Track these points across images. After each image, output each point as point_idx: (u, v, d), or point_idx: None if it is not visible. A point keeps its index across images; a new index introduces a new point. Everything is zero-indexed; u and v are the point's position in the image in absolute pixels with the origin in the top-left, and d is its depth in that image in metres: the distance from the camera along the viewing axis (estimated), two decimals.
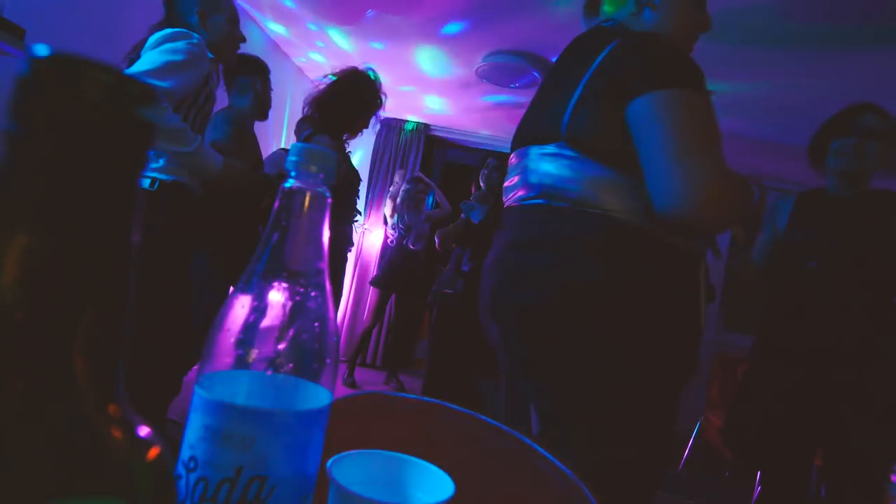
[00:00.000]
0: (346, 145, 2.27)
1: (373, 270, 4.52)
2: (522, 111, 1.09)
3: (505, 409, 1.11)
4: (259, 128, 2.33)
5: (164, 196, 1.56)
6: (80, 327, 0.18)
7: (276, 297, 0.33)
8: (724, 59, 2.62)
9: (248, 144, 2.11)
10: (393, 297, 4.26)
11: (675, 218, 0.83)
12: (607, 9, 1.04)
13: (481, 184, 2.94)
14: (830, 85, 2.73)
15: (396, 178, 4.45)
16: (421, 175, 4.14)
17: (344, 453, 0.38)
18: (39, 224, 0.16)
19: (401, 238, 3.99)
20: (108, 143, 0.17)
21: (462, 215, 2.82)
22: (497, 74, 3.28)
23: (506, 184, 1.06)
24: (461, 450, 0.58)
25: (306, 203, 0.33)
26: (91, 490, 0.17)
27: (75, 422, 0.18)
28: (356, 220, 2.50)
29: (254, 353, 0.32)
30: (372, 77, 2.27)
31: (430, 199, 4.19)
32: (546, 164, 0.93)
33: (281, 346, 0.32)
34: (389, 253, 4.08)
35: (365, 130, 2.34)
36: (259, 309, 0.32)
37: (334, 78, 2.19)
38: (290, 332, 0.32)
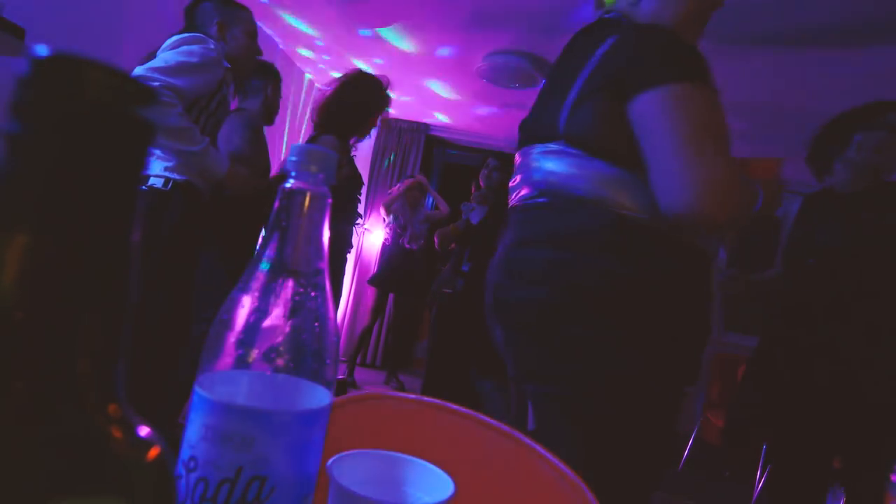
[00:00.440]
0: (354, 148, 2.28)
1: (373, 270, 4.53)
2: (523, 111, 1.09)
3: (515, 410, 1.11)
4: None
5: (176, 195, 1.58)
6: (80, 327, 0.18)
7: (276, 297, 0.33)
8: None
9: (262, 149, 2.12)
10: (392, 296, 4.26)
11: (683, 217, 0.81)
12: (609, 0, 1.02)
13: (481, 184, 2.95)
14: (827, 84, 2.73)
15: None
16: (419, 178, 4.14)
17: (344, 453, 0.38)
18: (39, 224, 0.16)
19: (396, 237, 3.99)
20: (108, 142, 0.17)
21: (463, 216, 2.83)
22: (497, 74, 3.28)
23: (510, 183, 1.05)
24: (461, 450, 0.58)
25: (306, 203, 0.33)
26: (91, 490, 0.17)
27: (75, 422, 0.18)
28: (357, 223, 2.51)
29: (254, 353, 0.32)
30: (376, 77, 2.28)
31: (430, 200, 4.20)
32: (549, 162, 0.92)
33: (281, 347, 0.32)
34: (387, 252, 4.08)
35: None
36: (259, 309, 0.32)
37: (338, 80, 2.21)
38: (290, 332, 0.32)
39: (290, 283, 0.33)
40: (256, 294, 0.32)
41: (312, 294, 0.33)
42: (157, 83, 1.41)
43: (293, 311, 0.33)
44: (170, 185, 1.57)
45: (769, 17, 2.29)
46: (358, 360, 4.18)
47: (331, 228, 0.35)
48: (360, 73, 2.25)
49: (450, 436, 0.60)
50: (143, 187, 1.40)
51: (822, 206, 1.71)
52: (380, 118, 2.40)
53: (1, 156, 0.16)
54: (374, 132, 3.96)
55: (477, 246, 2.66)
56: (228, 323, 0.32)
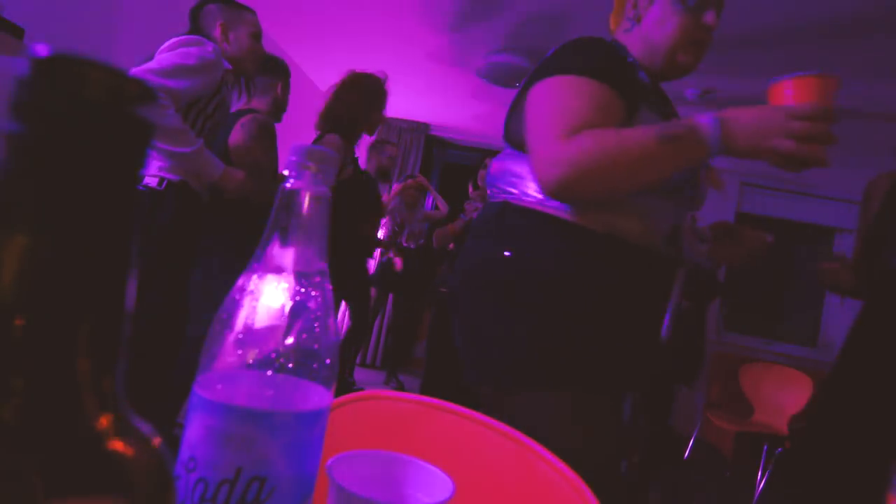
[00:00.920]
0: (356, 147, 2.29)
1: (372, 271, 4.53)
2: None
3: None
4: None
5: (171, 195, 1.58)
6: (80, 327, 0.17)
7: (276, 297, 0.33)
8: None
9: (275, 155, 2.11)
10: (391, 296, 4.26)
11: (552, 198, 0.85)
12: (611, 27, 1.06)
13: (479, 184, 2.95)
14: None
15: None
16: (420, 179, 4.14)
17: (344, 453, 0.38)
18: (39, 224, 0.16)
19: (394, 235, 3.99)
20: (107, 142, 0.17)
21: (464, 217, 2.83)
22: (497, 74, 3.28)
23: None
24: (461, 450, 0.58)
25: (306, 203, 0.33)
26: (91, 490, 0.17)
27: (75, 421, 0.18)
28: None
29: (254, 354, 0.32)
30: (372, 74, 2.30)
31: (430, 199, 4.19)
32: (496, 162, 1.01)
33: (281, 347, 0.32)
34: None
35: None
36: (259, 309, 0.32)
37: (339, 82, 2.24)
38: (290, 333, 0.32)
39: (291, 284, 0.33)
40: (256, 294, 0.32)
41: (313, 294, 0.33)
42: (150, 84, 1.41)
43: (293, 312, 0.33)
44: (164, 185, 1.57)
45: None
46: (358, 360, 4.18)
47: (346, 229, 0.35)
48: (356, 73, 2.27)
49: (450, 436, 0.60)
50: (139, 187, 1.39)
51: None
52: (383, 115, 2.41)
53: (1, 156, 0.16)
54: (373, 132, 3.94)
55: None
56: (228, 323, 0.32)
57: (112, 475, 0.18)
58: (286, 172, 0.34)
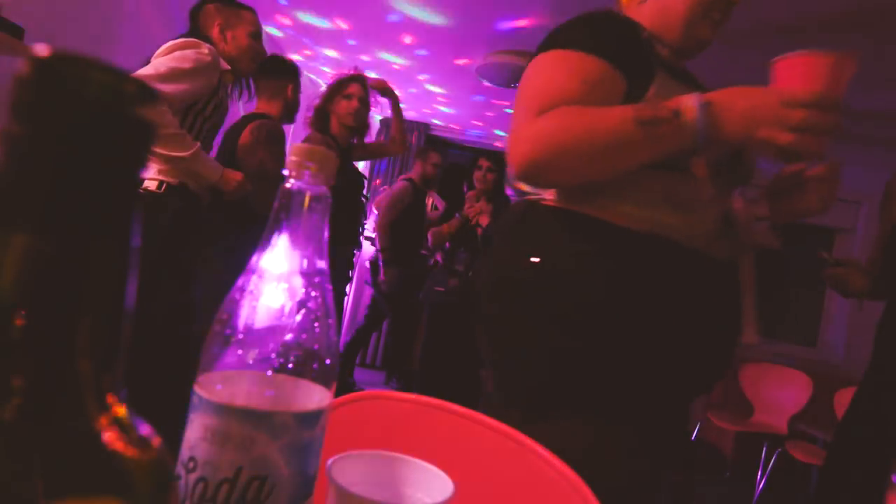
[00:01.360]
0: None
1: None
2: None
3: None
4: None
5: (170, 198, 1.59)
6: (80, 327, 0.17)
7: (276, 297, 0.33)
8: None
9: (283, 159, 2.11)
10: None
11: (521, 180, 0.80)
12: (623, 2, 0.98)
13: (476, 185, 2.91)
14: None
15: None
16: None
17: (344, 453, 0.38)
18: (39, 224, 0.16)
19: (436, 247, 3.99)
20: (107, 142, 0.17)
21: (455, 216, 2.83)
22: (497, 74, 3.28)
23: None
24: (461, 450, 0.58)
25: (306, 203, 0.33)
26: (91, 490, 0.17)
27: (75, 421, 0.18)
28: (364, 223, 2.51)
29: (253, 354, 0.32)
30: (359, 74, 2.35)
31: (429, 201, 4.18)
32: None
33: (280, 347, 0.32)
34: None
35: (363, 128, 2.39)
36: (259, 309, 0.32)
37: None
38: (290, 333, 0.32)
39: (290, 284, 0.33)
40: (256, 294, 0.32)
41: (313, 294, 0.33)
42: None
43: (293, 312, 0.33)
44: (164, 188, 1.58)
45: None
46: (358, 360, 4.18)
47: (334, 228, 0.35)
48: (347, 75, 2.34)
49: (450, 436, 0.60)
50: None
51: None
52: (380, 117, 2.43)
53: (1, 156, 0.16)
54: (373, 131, 3.95)
55: (473, 245, 2.66)
56: (228, 323, 0.32)
57: (112, 475, 0.18)
58: (286, 172, 0.34)
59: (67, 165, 0.16)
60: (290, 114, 2.17)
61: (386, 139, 2.91)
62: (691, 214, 0.80)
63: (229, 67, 1.72)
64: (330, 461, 0.36)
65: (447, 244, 2.89)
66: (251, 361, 0.32)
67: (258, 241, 0.34)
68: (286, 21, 3.15)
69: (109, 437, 0.18)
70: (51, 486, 0.16)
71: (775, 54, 0.72)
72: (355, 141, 2.41)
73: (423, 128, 4.78)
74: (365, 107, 2.30)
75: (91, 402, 0.18)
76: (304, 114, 2.36)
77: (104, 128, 0.17)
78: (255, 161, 1.89)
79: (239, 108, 2.08)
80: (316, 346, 0.33)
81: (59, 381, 0.17)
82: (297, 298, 0.33)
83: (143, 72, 1.47)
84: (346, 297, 4.46)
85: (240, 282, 0.33)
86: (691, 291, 0.79)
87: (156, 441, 0.20)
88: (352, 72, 2.36)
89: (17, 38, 1.59)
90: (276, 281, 0.33)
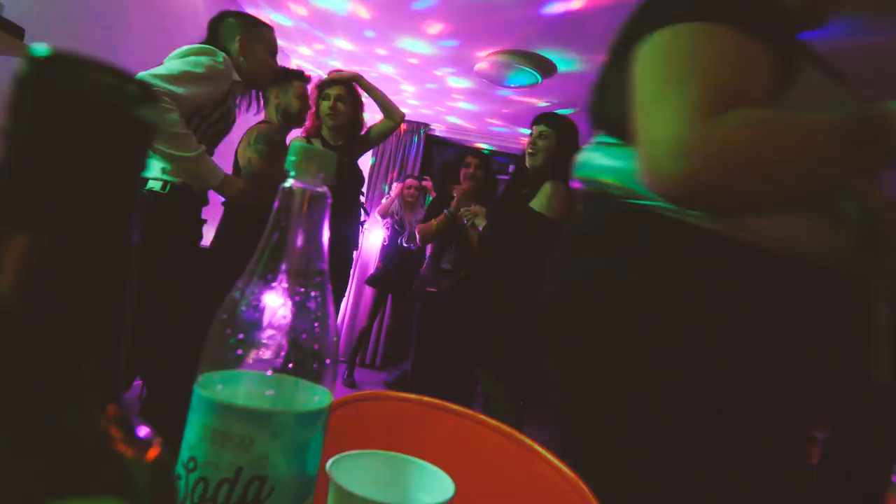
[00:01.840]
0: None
1: (372, 270, 4.53)
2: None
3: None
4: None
5: (173, 198, 1.60)
6: (80, 327, 0.17)
7: (276, 297, 0.33)
8: None
9: (280, 161, 2.11)
10: (390, 297, 4.26)
11: (656, 192, 0.61)
12: None
13: (462, 181, 2.83)
14: None
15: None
16: (425, 183, 4.15)
17: (344, 453, 0.38)
18: (39, 224, 0.16)
19: (395, 235, 3.99)
20: (108, 142, 0.17)
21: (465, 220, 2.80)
22: (497, 74, 3.28)
23: None
24: (461, 450, 0.58)
25: (306, 203, 0.33)
26: (91, 490, 0.17)
27: (75, 422, 0.18)
28: (363, 222, 2.51)
29: (253, 354, 0.32)
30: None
31: (429, 200, 4.19)
32: (586, 153, 0.79)
33: (280, 347, 0.32)
34: (385, 252, 4.08)
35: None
36: (259, 309, 0.32)
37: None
38: (290, 333, 0.32)
39: (290, 284, 0.33)
40: (256, 294, 0.32)
41: (313, 294, 0.33)
42: (155, 88, 1.43)
43: (293, 312, 0.33)
44: (168, 188, 1.60)
45: None
46: (357, 360, 4.19)
47: (332, 228, 0.35)
48: (321, 80, 2.38)
49: (450, 436, 0.60)
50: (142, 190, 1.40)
51: None
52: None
53: (1, 156, 0.16)
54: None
55: (464, 244, 2.64)
56: (228, 323, 0.32)
57: (112, 475, 0.18)
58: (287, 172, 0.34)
59: (67, 165, 0.16)
60: (286, 117, 2.17)
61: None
62: (838, 225, 0.63)
63: (240, 80, 1.75)
64: (330, 461, 0.36)
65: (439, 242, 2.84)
66: (251, 361, 0.32)
67: (258, 240, 0.34)
68: (301, 10, 3.09)
69: (110, 437, 0.18)
70: (52, 486, 0.16)
71: None
72: (347, 138, 2.40)
73: (422, 128, 4.78)
74: (343, 102, 2.31)
75: (91, 402, 0.18)
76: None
77: (104, 128, 0.17)
78: (244, 160, 1.93)
79: (248, 120, 2.11)
80: (316, 346, 0.33)
81: (60, 380, 0.17)
82: (297, 298, 0.33)
83: (157, 71, 1.49)
84: (345, 298, 4.47)
85: (240, 282, 0.33)
86: (826, 323, 0.63)
87: (156, 441, 0.20)
88: (328, 75, 2.42)
89: (17, 38, 1.60)
90: (275, 281, 0.33)
